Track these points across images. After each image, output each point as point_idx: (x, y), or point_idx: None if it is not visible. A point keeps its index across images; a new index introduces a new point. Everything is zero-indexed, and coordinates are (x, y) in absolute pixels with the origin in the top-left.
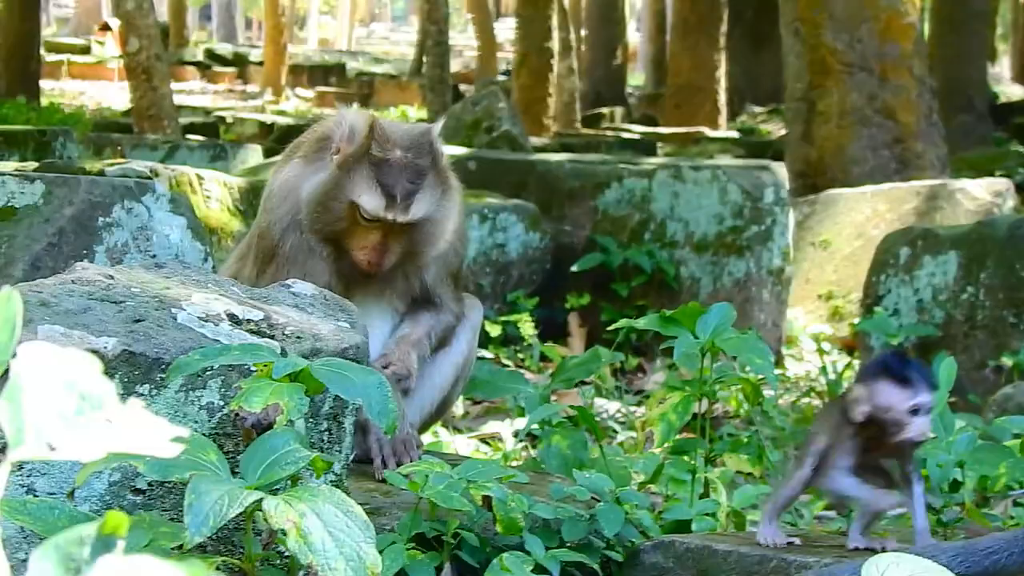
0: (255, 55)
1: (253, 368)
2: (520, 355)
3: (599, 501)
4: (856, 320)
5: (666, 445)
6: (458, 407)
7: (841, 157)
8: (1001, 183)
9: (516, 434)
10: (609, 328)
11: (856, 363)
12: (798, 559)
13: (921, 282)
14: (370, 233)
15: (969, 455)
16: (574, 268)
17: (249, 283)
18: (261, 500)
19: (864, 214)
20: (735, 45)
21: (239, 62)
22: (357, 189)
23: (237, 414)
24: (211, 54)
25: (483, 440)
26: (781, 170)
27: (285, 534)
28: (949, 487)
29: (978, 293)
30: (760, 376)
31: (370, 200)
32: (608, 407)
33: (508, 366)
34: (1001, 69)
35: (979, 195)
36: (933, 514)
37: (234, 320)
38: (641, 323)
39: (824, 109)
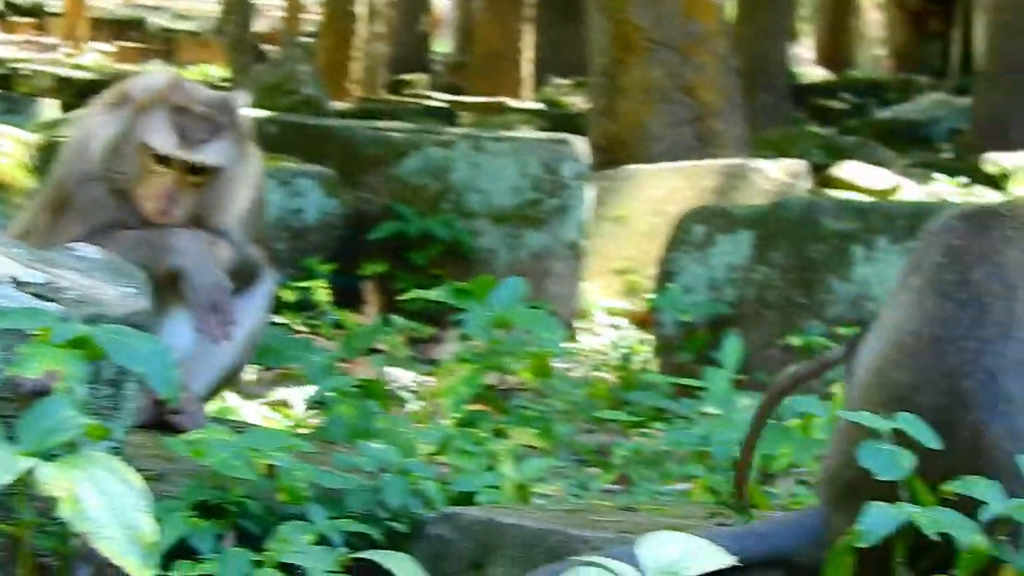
0: (55, 5)
1: (33, 333)
2: (314, 322)
3: (385, 472)
4: (650, 296)
5: (455, 416)
6: (250, 373)
7: (642, 133)
8: (798, 164)
9: (305, 402)
10: (403, 298)
11: (649, 338)
12: (580, 534)
13: (714, 260)
14: (160, 179)
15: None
16: (371, 236)
17: (41, 238)
18: (34, 467)
19: (662, 191)
20: (543, 16)
21: (37, 12)
22: (150, 130)
23: (15, 380)
24: (8, 3)
25: (273, 407)
26: (581, 144)
27: (59, 501)
28: (732, 465)
29: (769, 273)
30: (549, 349)
31: (161, 138)
32: (401, 377)
33: (301, 332)
34: (804, 50)
35: (776, 175)
36: (714, 495)
37: (17, 283)
38: (433, 294)
39: (626, 85)
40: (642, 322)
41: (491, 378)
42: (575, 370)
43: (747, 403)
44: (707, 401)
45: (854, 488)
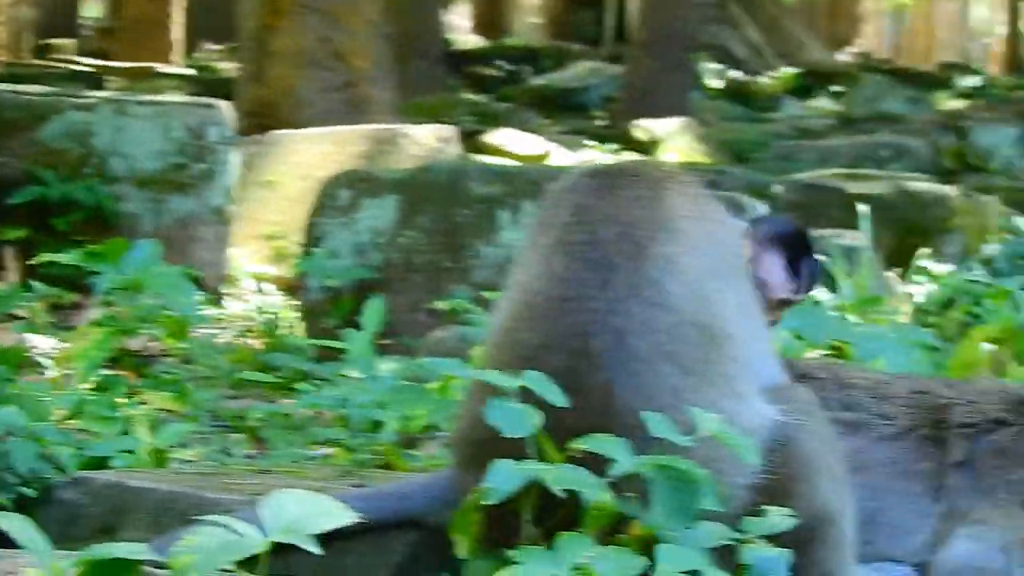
0: None
1: None
2: None
3: (13, 436)
4: (297, 261)
5: (90, 381)
6: None
7: (292, 98)
8: (446, 130)
9: None
10: (37, 262)
11: (296, 303)
12: (214, 497)
13: (361, 224)
14: None
15: (390, 396)
16: (11, 201)
17: None
18: None
19: (311, 156)
20: None
21: None
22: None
23: None
24: None
25: None
26: (226, 109)
27: None
28: (371, 427)
29: (416, 237)
30: (186, 313)
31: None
32: (41, 343)
33: None
34: (459, 18)
35: (424, 140)
36: (349, 452)
37: None
38: (66, 258)
39: (276, 50)
40: (289, 287)
41: (136, 343)
42: (221, 336)
43: (390, 367)
44: (348, 364)
45: (483, 448)
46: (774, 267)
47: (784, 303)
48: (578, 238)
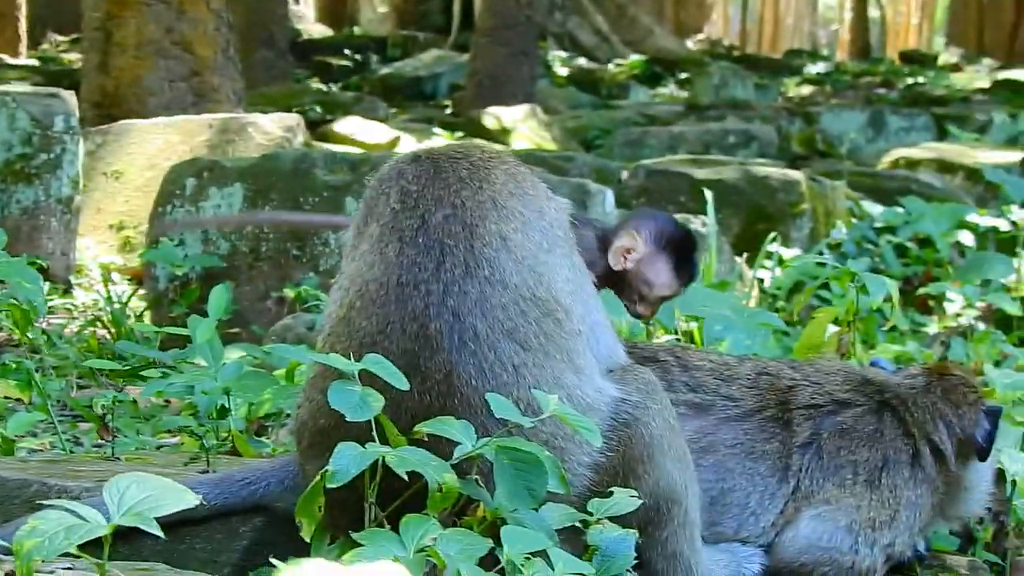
0: None
1: None
2: None
3: None
4: (143, 250)
5: None
6: None
7: (138, 88)
8: (292, 118)
9: None
10: None
11: (144, 292)
12: (60, 484)
13: (207, 213)
14: None
15: (235, 382)
16: None
17: None
18: None
19: (156, 145)
20: None
21: None
22: None
23: None
24: None
25: None
26: (71, 98)
27: None
28: (217, 414)
29: (263, 226)
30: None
31: None
32: None
33: None
34: (305, 8)
35: (270, 129)
36: (196, 439)
37: None
38: None
39: (121, 40)
40: (137, 276)
41: None
42: (69, 325)
43: (237, 355)
44: (195, 352)
45: (326, 434)
46: (662, 268)
47: (664, 299)
48: (407, 223)
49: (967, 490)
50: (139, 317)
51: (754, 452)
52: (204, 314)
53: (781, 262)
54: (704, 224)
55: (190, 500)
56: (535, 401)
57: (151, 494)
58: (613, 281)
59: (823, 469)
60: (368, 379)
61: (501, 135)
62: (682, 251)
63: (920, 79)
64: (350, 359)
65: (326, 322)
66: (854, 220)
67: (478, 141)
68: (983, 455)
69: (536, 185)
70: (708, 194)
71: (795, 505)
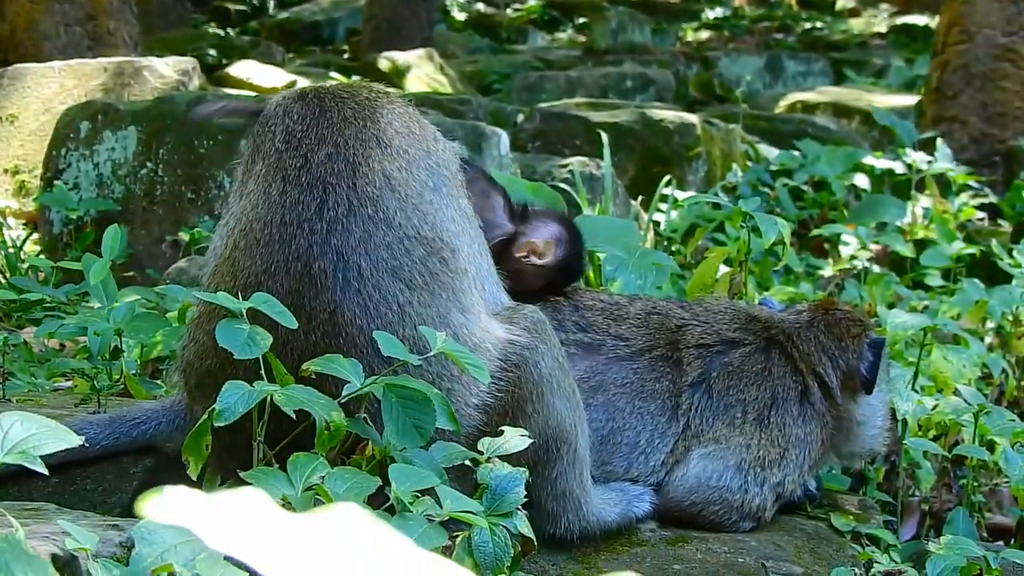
0: None
1: None
2: None
3: None
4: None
5: None
6: None
7: (33, 32)
8: (187, 62)
9: None
10: None
11: (36, 236)
12: None
13: (101, 156)
14: None
15: (128, 324)
16: None
17: None
18: None
19: (51, 89)
20: None
21: None
22: None
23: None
24: None
25: None
26: None
27: None
28: (110, 355)
29: (157, 168)
30: None
31: None
32: None
33: None
34: None
35: (166, 73)
36: (88, 381)
37: None
38: None
39: None
40: (33, 221)
41: None
42: None
43: (131, 297)
44: (88, 294)
45: (213, 375)
46: (553, 276)
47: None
48: (291, 162)
49: (859, 425)
50: (34, 258)
51: (644, 391)
52: (99, 257)
53: (676, 204)
54: (599, 167)
55: (73, 440)
56: (421, 340)
57: (35, 433)
58: (499, 253)
59: (713, 408)
60: (254, 319)
61: (397, 79)
62: (572, 266)
63: (818, 24)
64: (237, 299)
65: (210, 261)
66: (750, 164)
67: (369, 82)
68: (868, 387)
69: (424, 126)
70: (604, 136)
71: (685, 444)
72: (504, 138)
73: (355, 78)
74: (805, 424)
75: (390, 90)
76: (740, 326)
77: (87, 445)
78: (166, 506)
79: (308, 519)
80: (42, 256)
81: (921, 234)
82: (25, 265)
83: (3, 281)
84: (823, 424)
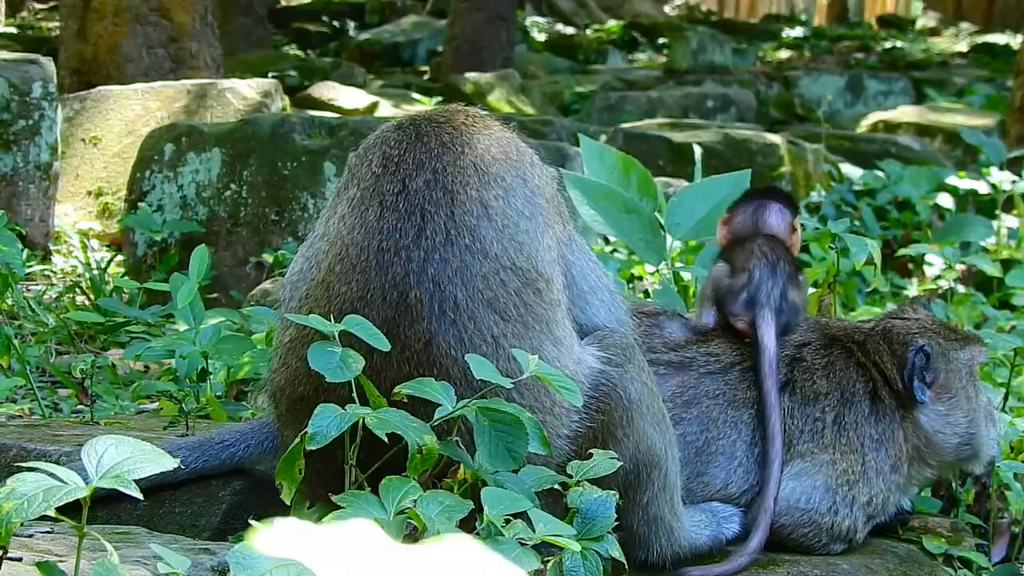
0: None
1: None
2: None
3: None
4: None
5: None
6: None
7: (116, 55)
8: (269, 83)
9: None
10: None
11: (123, 258)
12: (40, 448)
13: (185, 179)
14: None
15: (214, 347)
16: None
17: None
18: None
19: (134, 111)
20: None
21: None
22: None
23: None
24: None
25: None
26: (49, 65)
27: None
28: (197, 378)
29: (241, 190)
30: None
31: None
32: None
33: None
34: None
35: (248, 95)
36: (175, 404)
37: None
38: None
39: (99, 6)
40: (116, 243)
41: None
42: (48, 292)
43: (216, 319)
44: (175, 316)
45: (305, 401)
46: None
47: None
48: (388, 188)
49: (936, 433)
50: (119, 280)
51: (736, 400)
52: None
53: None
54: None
55: (168, 463)
56: (514, 371)
57: (130, 457)
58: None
59: (799, 407)
60: (347, 345)
61: (478, 100)
62: None
63: (898, 43)
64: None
65: (300, 284)
66: (833, 183)
67: (463, 105)
68: (909, 393)
69: (521, 151)
70: (697, 151)
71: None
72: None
73: (436, 99)
74: (878, 423)
75: (486, 114)
76: (808, 329)
77: (183, 467)
78: (278, 538)
79: (420, 551)
80: (126, 278)
81: (1006, 254)
82: (110, 287)
83: (89, 303)
84: (898, 425)
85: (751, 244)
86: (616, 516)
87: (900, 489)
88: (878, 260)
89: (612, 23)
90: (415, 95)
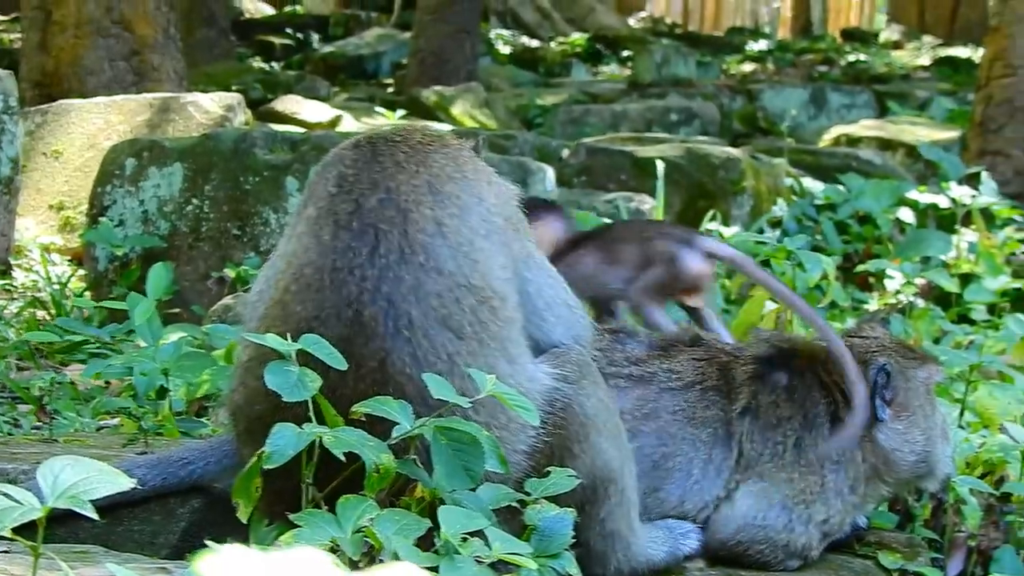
0: None
1: None
2: None
3: None
4: (84, 230)
5: None
6: None
7: (78, 68)
8: (232, 97)
9: None
10: None
11: (82, 272)
12: None
13: (147, 193)
14: None
15: (174, 363)
16: None
17: None
18: None
19: (96, 125)
20: None
21: None
22: None
23: None
24: None
25: None
26: (9, 79)
27: None
28: (156, 395)
29: (203, 205)
30: None
31: None
32: None
33: None
34: None
35: (211, 108)
36: (135, 421)
37: None
38: None
39: (61, 19)
40: (78, 257)
41: None
42: (9, 307)
43: (176, 335)
44: (134, 332)
45: (263, 420)
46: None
47: None
48: (342, 207)
49: (893, 451)
50: (79, 297)
51: (695, 419)
52: (144, 294)
53: (721, 239)
54: (645, 201)
55: (125, 483)
56: (469, 389)
57: (86, 477)
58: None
59: (760, 432)
60: (304, 364)
61: (442, 113)
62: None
63: (861, 56)
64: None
65: (259, 304)
66: (795, 197)
67: (422, 123)
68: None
69: (478, 169)
70: (660, 167)
71: (738, 477)
72: (550, 173)
73: (400, 113)
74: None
75: (444, 132)
76: (771, 350)
77: (140, 487)
78: (222, 564)
79: None
80: (87, 292)
81: (966, 268)
82: (69, 303)
83: (50, 318)
84: (858, 446)
85: (590, 241)
86: (574, 532)
87: (857, 507)
88: (833, 275)
89: (577, 36)
90: (379, 108)
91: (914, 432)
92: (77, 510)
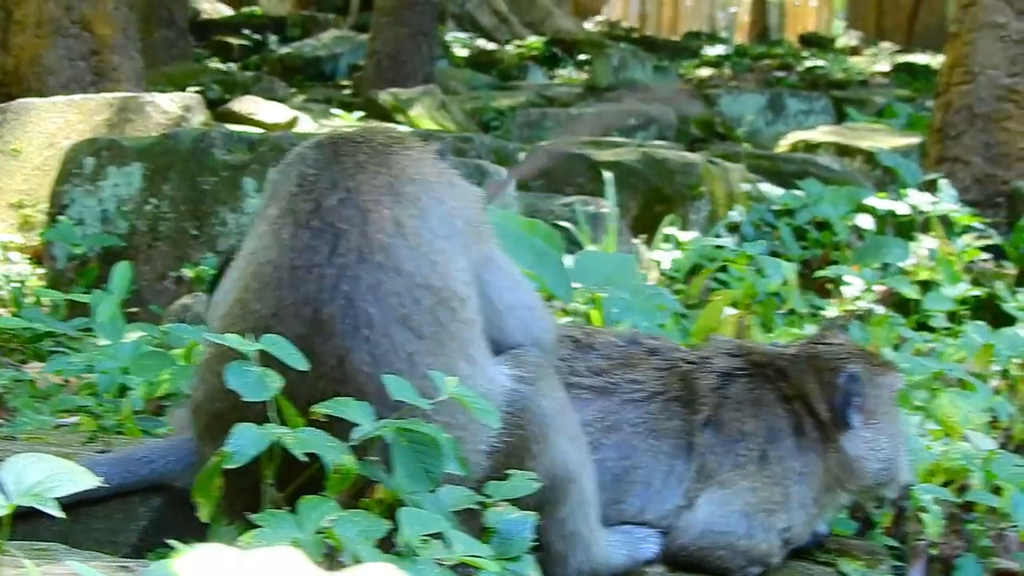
0: None
1: None
2: None
3: None
4: (43, 230)
5: None
6: None
7: (37, 67)
8: (191, 97)
9: None
10: None
11: (41, 271)
12: None
13: (106, 192)
14: None
15: (134, 362)
16: None
17: None
18: None
19: (56, 124)
20: None
21: None
22: None
23: None
24: None
25: None
26: None
27: None
28: (116, 393)
29: (161, 205)
30: None
31: None
32: None
33: None
34: None
35: (169, 108)
36: (95, 419)
37: None
38: None
39: (21, 18)
40: (37, 256)
41: None
42: None
43: (136, 334)
44: (95, 330)
45: (223, 418)
46: None
47: None
48: (303, 207)
49: (857, 460)
50: (43, 290)
51: (657, 431)
52: (106, 293)
53: (679, 244)
54: (602, 205)
55: (89, 481)
56: (429, 390)
57: (50, 474)
58: None
59: (723, 444)
60: (264, 362)
61: (399, 115)
62: None
63: (819, 62)
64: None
65: (222, 302)
66: (752, 203)
67: (385, 125)
68: (837, 421)
69: (440, 171)
70: (607, 176)
71: (698, 486)
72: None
73: (357, 115)
74: (802, 455)
75: (406, 134)
76: (740, 362)
77: (104, 484)
78: (200, 563)
79: None
80: (46, 291)
81: (925, 275)
82: (30, 300)
83: (7, 315)
84: (821, 455)
85: None
86: (534, 534)
87: (819, 516)
88: (793, 281)
89: (533, 39)
90: (336, 110)
91: (880, 439)
92: (42, 508)
